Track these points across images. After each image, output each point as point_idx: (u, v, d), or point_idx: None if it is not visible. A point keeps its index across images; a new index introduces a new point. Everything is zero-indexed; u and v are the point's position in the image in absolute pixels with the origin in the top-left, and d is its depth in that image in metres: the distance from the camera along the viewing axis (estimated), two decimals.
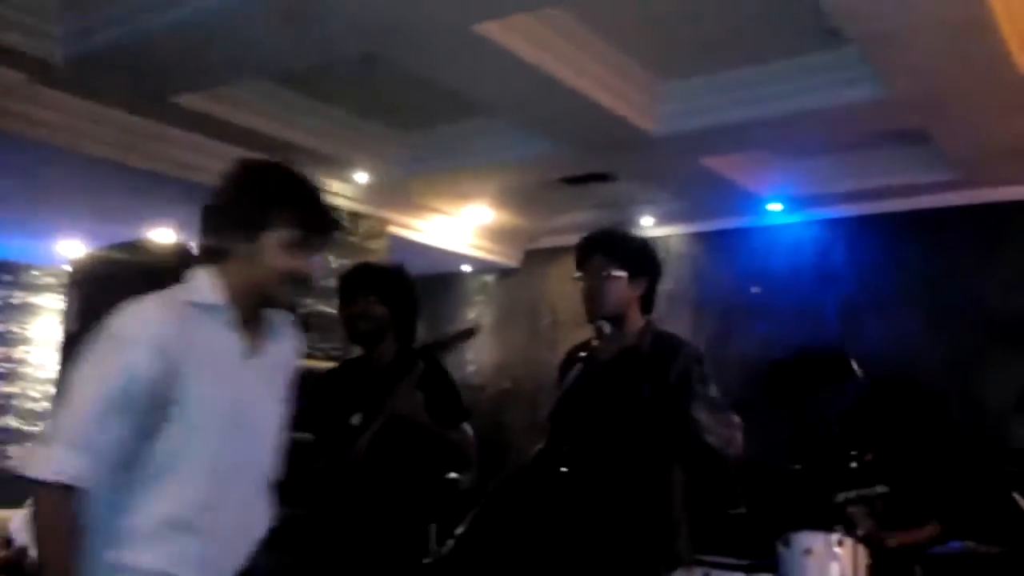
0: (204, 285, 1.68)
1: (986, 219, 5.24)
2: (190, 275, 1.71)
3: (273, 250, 1.67)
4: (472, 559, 2.33)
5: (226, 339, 1.68)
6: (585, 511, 2.30)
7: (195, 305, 1.65)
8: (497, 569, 3.11)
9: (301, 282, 1.73)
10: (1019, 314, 5.08)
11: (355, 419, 2.58)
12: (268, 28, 3.42)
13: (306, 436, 2.69)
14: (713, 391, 2.30)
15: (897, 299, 5.41)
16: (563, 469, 2.37)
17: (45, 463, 1.50)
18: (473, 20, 3.36)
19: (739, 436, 2.17)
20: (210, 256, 1.72)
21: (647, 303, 2.44)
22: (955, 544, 3.76)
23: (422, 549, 2.48)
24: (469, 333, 2.74)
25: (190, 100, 4.25)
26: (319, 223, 1.75)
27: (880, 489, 4.12)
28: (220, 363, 1.66)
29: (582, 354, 2.34)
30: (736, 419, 2.11)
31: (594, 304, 2.38)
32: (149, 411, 1.55)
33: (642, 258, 2.43)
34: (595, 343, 2.34)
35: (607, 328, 2.33)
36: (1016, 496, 3.75)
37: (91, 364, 1.57)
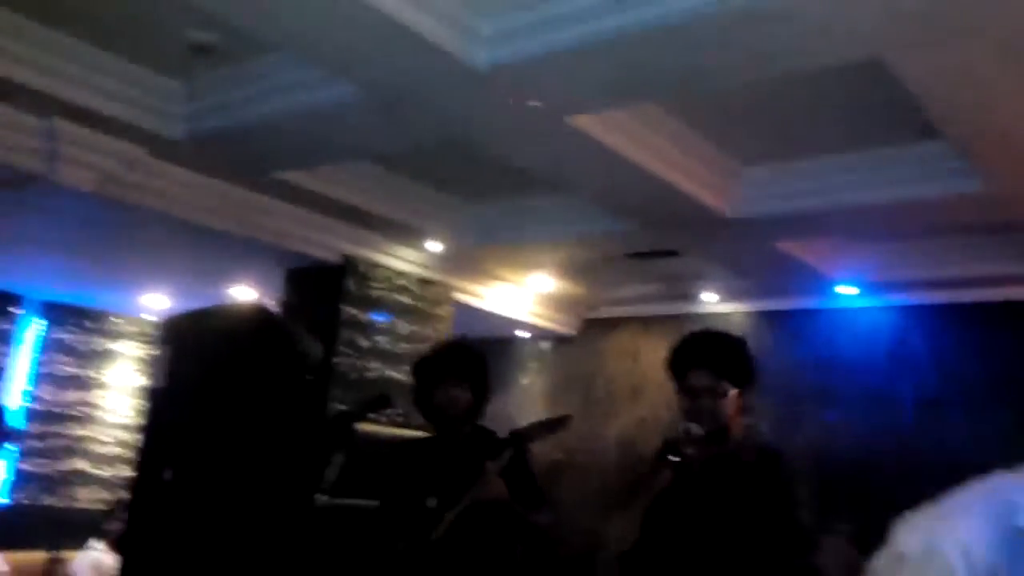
0: None
1: None
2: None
3: None
4: None
5: None
6: None
7: None
8: None
9: None
10: None
11: (431, 502, 2.54)
12: (369, 117, 3.53)
13: (371, 503, 2.71)
14: (804, 516, 2.22)
15: (979, 394, 5.17)
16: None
17: None
18: (567, 113, 3.41)
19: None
20: None
21: (748, 408, 2.35)
22: None
23: None
24: (563, 422, 2.67)
25: (288, 174, 4.47)
26: None
27: None
28: None
29: (672, 457, 2.24)
30: (863, 563, 2.02)
31: (703, 421, 2.26)
32: None
33: (747, 365, 2.34)
34: (688, 449, 2.24)
35: (696, 430, 2.24)
36: None
37: None
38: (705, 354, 2.32)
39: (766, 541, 2.19)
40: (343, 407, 4.78)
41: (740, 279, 5.82)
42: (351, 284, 5.36)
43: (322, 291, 5.38)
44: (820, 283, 5.52)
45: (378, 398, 2.86)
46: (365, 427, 5.05)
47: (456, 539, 2.47)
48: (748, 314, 6.19)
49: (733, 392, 2.27)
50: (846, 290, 5.59)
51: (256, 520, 3.52)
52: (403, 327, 5.61)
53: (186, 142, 3.97)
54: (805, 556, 2.13)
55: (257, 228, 4.93)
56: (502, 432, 2.70)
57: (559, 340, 7.09)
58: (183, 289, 6.40)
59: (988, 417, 5.12)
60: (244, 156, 4.19)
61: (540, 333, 7.07)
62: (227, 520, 3.54)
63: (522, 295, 6.50)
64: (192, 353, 4.01)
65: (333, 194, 4.74)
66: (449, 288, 5.95)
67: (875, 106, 3.57)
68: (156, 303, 6.93)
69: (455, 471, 2.54)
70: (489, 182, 4.91)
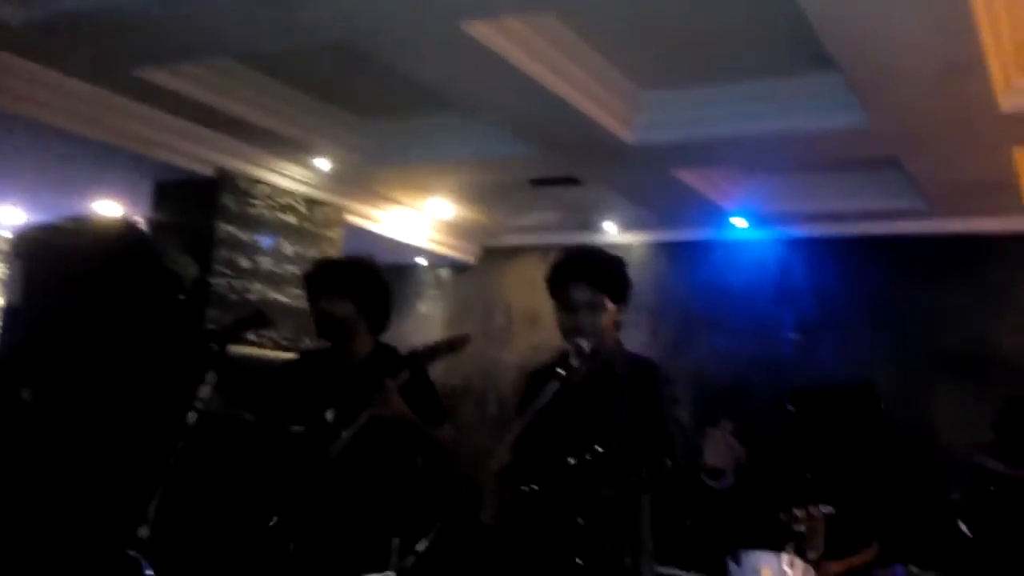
0: None
1: (948, 250, 5.35)
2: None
3: None
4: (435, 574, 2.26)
5: None
6: (552, 531, 2.27)
7: None
8: None
9: None
10: (972, 344, 5.21)
11: (329, 415, 2.51)
12: (243, 9, 3.18)
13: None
14: (683, 415, 2.30)
15: (853, 321, 5.50)
16: (533, 487, 2.31)
17: None
18: (462, 18, 3.18)
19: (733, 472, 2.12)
20: None
21: (620, 324, 2.40)
22: (898, 568, 3.84)
23: (383, 562, 2.37)
24: (460, 342, 2.60)
25: (153, 74, 4.04)
26: None
27: (825, 509, 4.18)
28: None
29: (559, 371, 2.23)
30: (741, 450, 2.06)
31: (584, 339, 2.26)
32: None
33: (625, 284, 2.37)
34: (574, 362, 2.24)
35: (587, 346, 2.25)
36: (961, 524, 3.82)
37: None
38: (584, 269, 2.33)
39: (645, 441, 2.23)
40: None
41: (639, 209, 5.84)
42: (228, 200, 5.03)
43: (196, 207, 5.01)
44: (714, 214, 5.60)
45: (253, 316, 2.68)
46: (249, 350, 4.95)
47: (354, 456, 2.45)
48: (647, 244, 6.27)
49: (611, 307, 2.29)
50: (738, 222, 5.69)
51: (124, 440, 3.41)
52: (288, 248, 5.34)
53: (26, 29, 3.48)
54: (684, 446, 2.16)
55: (120, 134, 4.48)
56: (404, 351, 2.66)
57: (459, 268, 7.00)
58: (40, 202, 5.83)
59: (859, 341, 5.45)
60: (96, 48, 3.70)
61: (439, 260, 6.94)
62: (93, 440, 3.44)
63: (420, 220, 6.31)
64: (50, 269, 3.75)
65: (206, 99, 4.34)
66: (340, 209, 5.68)
67: (775, 35, 3.53)
68: (9, 217, 6.32)
69: (354, 387, 2.50)
70: (383, 97, 4.63)
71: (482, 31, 3.30)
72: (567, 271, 2.34)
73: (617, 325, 2.38)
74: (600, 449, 2.24)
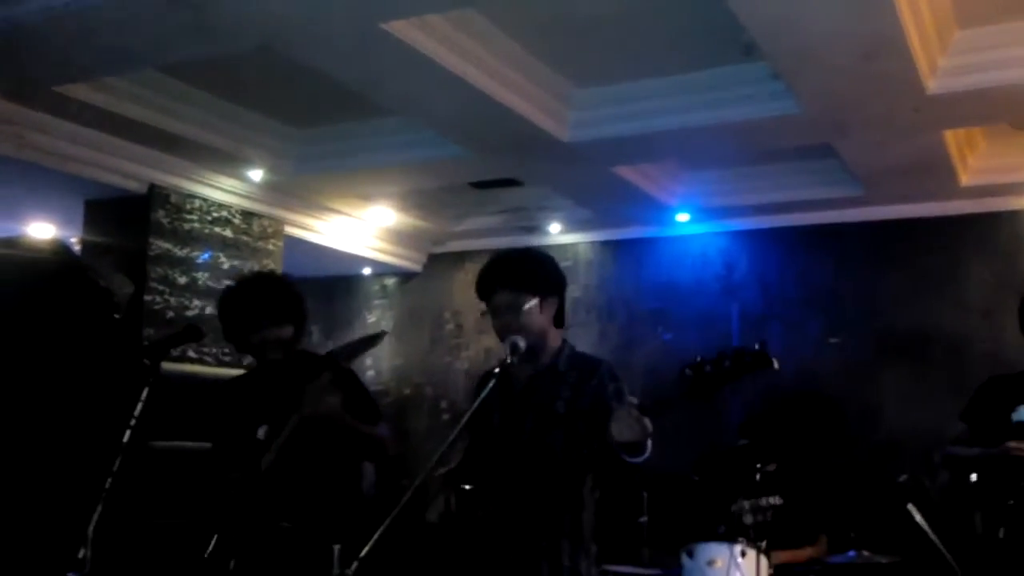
0: None
1: (882, 235, 5.42)
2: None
3: None
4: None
5: None
6: (493, 530, 2.26)
7: None
8: None
9: None
10: (910, 327, 5.27)
11: (261, 432, 2.53)
12: (155, 15, 3.07)
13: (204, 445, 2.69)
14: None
15: (798, 310, 5.54)
16: (467, 487, 2.34)
17: None
18: (381, 18, 3.11)
19: (648, 442, 2.09)
20: None
21: (559, 317, 2.39)
22: (850, 554, 3.85)
23: (326, 572, 2.38)
24: (375, 339, 2.57)
25: (74, 90, 3.93)
26: None
27: (774, 500, 4.18)
28: None
29: (496, 371, 2.25)
30: (647, 423, 2.03)
31: (513, 338, 2.26)
32: None
33: (549, 278, 2.37)
34: (510, 360, 2.25)
35: (522, 343, 2.25)
36: (911, 507, 3.84)
37: None
38: (501, 272, 2.35)
39: (572, 447, 2.24)
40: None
41: (582, 208, 5.83)
42: (161, 216, 4.88)
43: (128, 224, 4.87)
44: (657, 211, 5.60)
45: (186, 330, 2.65)
46: (191, 367, 4.83)
47: (290, 464, 2.46)
48: (591, 244, 6.26)
49: (533, 301, 2.29)
50: (681, 217, 5.71)
51: (61, 461, 3.40)
52: (226, 262, 5.20)
53: None
54: (611, 452, 2.09)
55: (43, 153, 4.35)
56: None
57: (405, 276, 6.92)
58: None
59: (802, 329, 5.49)
60: (13, 66, 3.59)
61: (385, 269, 6.85)
62: (30, 462, 3.41)
63: (362, 229, 6.21)
64: None
65: (132, 113, 4.23)
66: (278, 221, 5.56)
67: (705, 26, 3.52)
68: None
69: (280, 398, 2.51)
70: (314, 104, 4.54)
71: (403, 29, 3.22)
72: (486, 277, 2.35)
73: (559, 322, 2.37)
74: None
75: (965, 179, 4.89)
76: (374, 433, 2.63)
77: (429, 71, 3.50)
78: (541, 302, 2.30)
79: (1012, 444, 3.00)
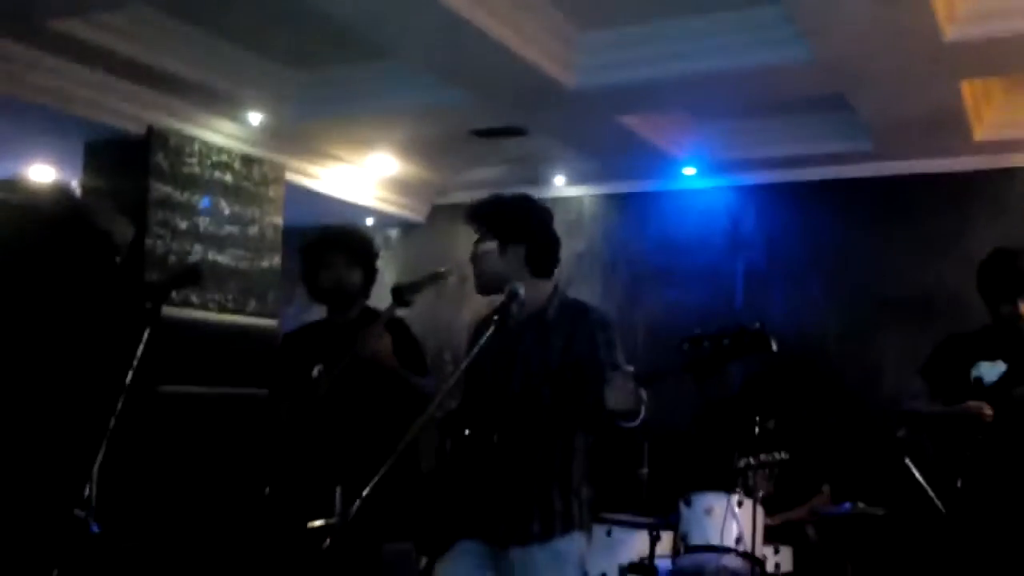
0: None
1: (892, 192, 5.32)
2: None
3: None
4: (379, 521, 2.33)
5: None
6: (485, 472, 2.29)
7: None
8: (402, 532, 3.03)
9: None
10: (917, 286, 5.21)
11: (315, 371, 2.64)
12: None
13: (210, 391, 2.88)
14: (620, 357, 2.27)
15: (802, 268, 5.47)
16: (466, 432, 2.36)
17: None
18: None
19: (642, 409, 2.08)
20: None
21: (538, 267, 2.36)
22: (846, 505, 3.87)
23: (327, 510, 2.37)
24: (439, 276, 2.65)
25: (72, 27, 3.84)
26: None
27: (780, 455, 4.20)
28: None
29: (495, 317, 2.24)
30: (642, 393, 2.02)
31: (475, 275, 2.39)
32: None
33: (513, 225, 2.36)
34: (511, 307, 2.26)
35: (521, 291, 2.25)
36: (908, 462, 3.84)
37: None
38: (469, 215, 2.45)
39: (563, 397, 2.24)
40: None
41: (588, 160, 5.73)
42: (161, 159, 4.82)
43: (128, 167, 4.81)
44: (664, 163, 5.51)
45: (186, 271, 2.77)
46: (195, 313, 4.84)
47: (339, 398, 2.56)
48: (596, 197, 6.18)
49: (491, 244, 2.34)
50: (688, 171, 5.62)
51: (65, 403, 3.43)
52: (226, 208, 5.16)
53: None
54: (601, 411, 2.10)
55: (41, 92, 4.27)
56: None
57: (407, 227, 6.85)
58: None
59: (804, 289, 5.44)
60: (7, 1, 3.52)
61: (388, 220, 6.78)
62: (34, 405, 3.44)
63: (363, 177, 6.14)
64: None
65: (130, 52, 4.13)
66: (278, 167, 5.49)
67: None
68: None
69: (340, 344, 2.60)
70: (314, 46, 4.44)
71: None
72: (465, 218, 2.46)
73: (539, 270, 2.35)
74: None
75: (979, 134, 4.78)
76: (418, 384, 2.70)
77: (429, 10, 3.40)
78: (501, 247, 2.33)
79: (971, 403, 3.09)
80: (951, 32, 3.52)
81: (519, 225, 2.36)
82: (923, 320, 5.17)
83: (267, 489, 2.66)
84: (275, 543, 2.64)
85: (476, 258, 2.39)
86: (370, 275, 2.87)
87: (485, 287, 2.37)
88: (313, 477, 2.58)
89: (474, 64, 4.01)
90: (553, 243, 2.41)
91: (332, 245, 2.81)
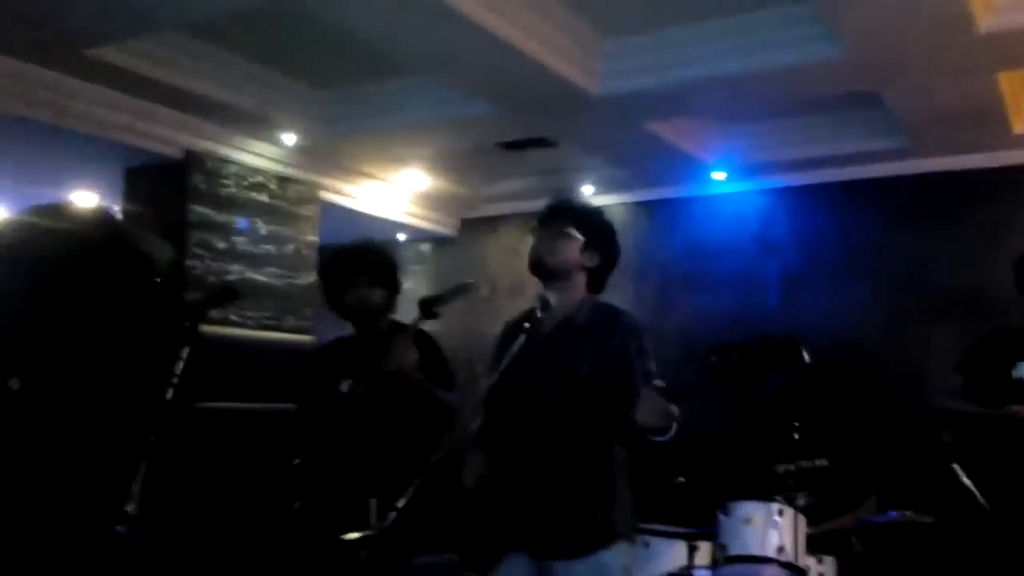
0: None
1: (931, 189, 5.19)
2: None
3: None
4: (413, 533, 2.30)
5: None
6: (525, 486, 2.26)
7: None
8: (437, 544, 3.03)
9: None
10: (961, 286, 5.07)
11: (344, 386, 2.67)
12: None
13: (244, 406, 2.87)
14: (651, 365, 2.25)
15: (839, 270, 5.36)
16: (502, 447, 2.32)
17: None
18: None
19: (673, 425, 2.05)
20: None
21: (596, 282, 2.39)
22: (892, 514, 3.76)
23: (362, 522, 2.38)
24: (463, 289, 2.64)
25: (107, 55, 3.96)
26: None
27: (820, 462, 4.10)
28: None
29: (526, 325, 2.24)
30: (673, 409, 1.99)
31: (541, 254, 2.34)
32: None
33: (603, 234, 2.40)
34: (539, 314, 2.25)
35: (552, 299, 2.25)
36: (956, 468, 3.73)
37: None
38: (569, 206, 2.44)
39: (597, 406, 2.20)
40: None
41: (616, 169, 5.72)
42: (198, 181, 4.94)
43: (166, 190, 4.94)
44: (692, 169, 5.46)
45: (223, 290, 2.76)
46: (233, 330, 4.93)
47: (367, 411, 2.58)
48: (625, 205, 6.15)
49: (579, 238, 2.32)
50: (717, 175, 5.56)
51: (108, 422, 3.50)
52: (263, 227, 5.25)
53: None
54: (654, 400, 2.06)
55: (80, 119, 4.42)
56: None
57: (439, 241, 6.90)
58: (15, 194, 5.78)
59: (843, 291, 5.32)
60: (42, 31, 3.63)
61: (419, 235, 6.84)
62: (78, 424, 3.53)
63: (395, 194, 6.21)
64: (29, 261, 3.81)
65: (164, 77, 4.26)
66: (313, 186, 5.58)
67: None
68: None
69: (367, 360, 2.59)
70: (343, 65, 4.51)
71: None
72: (556, 205, 2.42)
73: (592, 281, 2.37)
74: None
75: (1019, 127, 4.65)
76: (445, 398, 2.68)
77: (452, 23, 3.43)
78: (585, 245, 2.33)
79: (1017, 408, 2.98)
80: (986, 22, 3.44)
81: (608, 236, 2.40)
82: (967, 320, 5.02)
83: (297, 503, 2.66)
84: (309, 556, 2.64)
85: (553, 243, 2.33)
86: (393, 290, 2.85)
87: (543, 271, 2.33)
88: (347, 490, 2.59)
89: (498, 75, 4.03)
90: (613, 267, 2.44)
91: (352, 266, 2.80)
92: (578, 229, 2.33)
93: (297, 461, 2.68)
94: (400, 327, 2.74)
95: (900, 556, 3.73)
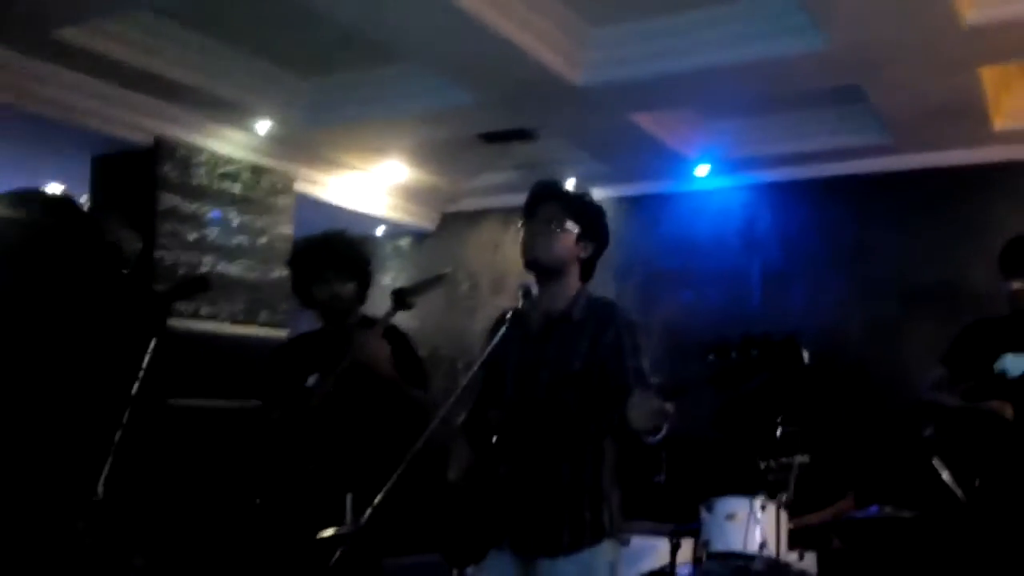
0: None
1: (912, 186, 5.20)
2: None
3: None
4: (391, 529, 2.27)
5: None
6: (512, 481, 2.22)
7: None
8: (417, 540, 2.95)
9: None
10: (940, 281, 5.09)
11: (311, 380, 2.61)
12: None
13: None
14: (645, 363, 2.21)
15: (822, 266, 5.36)
16: (494, 439, 2.29)
17: None
18: None
19: (664, 425, 2.00)
20: None
21: (587, 271, 2.33)
22: (873, 509, 3.75)
23: (336, 519, 2.30)
24: (439, 279, 2.62)
25: (75, 36, 3.83)
26: None
27: (801, 459, 4.08)
28: None
29: (508, 316, 2.20)
30: (668, 407, 1.93)
31: (535, 248, 2.25)
32: None
33: (596, 221, 2.33)
34: (521, 305, 2.21)
35: (534, 290, 2.22)
36: (936, 462, 3.72)
37: None
38: (560, 191, 2.36)
39: (589, 402, 2.17)
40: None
41: (599, 163, 5.66)
42: (168, 170, 4.80)
43: (135, 178, 4.80)
44: (676, 163, 5.43)
45: (193, 280, 2.72)
46: (205, 324, 4.81)
47: (337, 404, 2.52)
48: (608, 200, 6.02)
49: (574, 228, 2.25)
50: (700, 170, 5.54)
51: (73, 415, 3.42)
52: (235, 218, 5.13)
53: None
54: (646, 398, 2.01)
55: (46, 103, 4.27)
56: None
57: (419, 236, 6.81)
58: None
59: (826, 287, 5.31)
60: (9, 8, 3.50)
61: (398, 229, 6.75)
62: (42, 417, 3.45)
63: (373, 185, 6.09)
64: None
65: (133, 61, 4.12)
66: (287, 177, 5.46)
67: None
68: None
69: (335, 354, 2.55)
70: (320, 52, 4.41)
71: None
72: (542, 187, 2.34)
73: (586, 273, 2.32)
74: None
75: (999, 123, 4.66)
76: (416, 396, 2.63)
77: (433, 6, 3.36)
78: (579, 236, 2.27)
79: (994, 403, 2.97)
80: (970, 15, 3.43)
81: (600, 222, 2.34)
82: (948, 315, 5.01)
83: (258, 500, 2.58)
84: (280, 553, 2.55)
85: (548, 238, 2.26)
86: (364, 283, 2.78)
87: (538, 264, 2.26)
88: (318, 486, 2.52)
89: (480, 62, 3.96)
90: (603, 252, 2.38)
91: (321, 258, 2.72)
92: (571, 218, 2.27)
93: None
94: (371, 322, 2.68)
95: (881, 551, 3.72)
